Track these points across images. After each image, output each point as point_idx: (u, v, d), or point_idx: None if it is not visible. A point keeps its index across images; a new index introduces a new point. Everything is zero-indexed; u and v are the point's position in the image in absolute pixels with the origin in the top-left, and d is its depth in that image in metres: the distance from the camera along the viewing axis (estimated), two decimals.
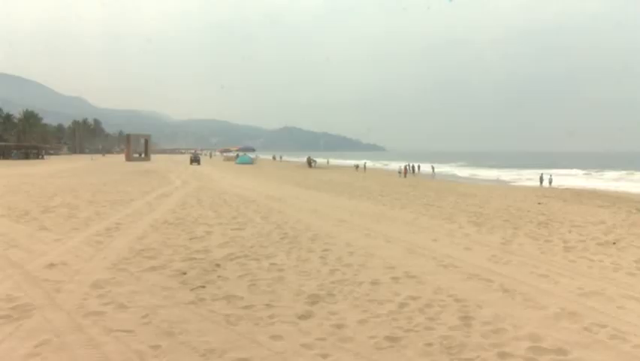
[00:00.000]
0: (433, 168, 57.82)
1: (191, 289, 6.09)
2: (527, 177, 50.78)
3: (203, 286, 6.23)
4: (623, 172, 55.20)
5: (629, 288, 6.50)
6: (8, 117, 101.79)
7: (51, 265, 7.10)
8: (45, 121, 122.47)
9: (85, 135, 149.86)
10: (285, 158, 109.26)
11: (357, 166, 60.60)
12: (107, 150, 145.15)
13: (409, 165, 53.09)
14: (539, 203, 19.27)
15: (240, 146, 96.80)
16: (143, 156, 78.59)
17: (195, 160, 60.11)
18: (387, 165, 79.86)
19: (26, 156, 77.21)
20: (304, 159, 73.05)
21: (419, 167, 55.89)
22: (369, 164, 69.37)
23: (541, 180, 38.45)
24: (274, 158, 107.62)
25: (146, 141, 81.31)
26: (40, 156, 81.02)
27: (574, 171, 59.15)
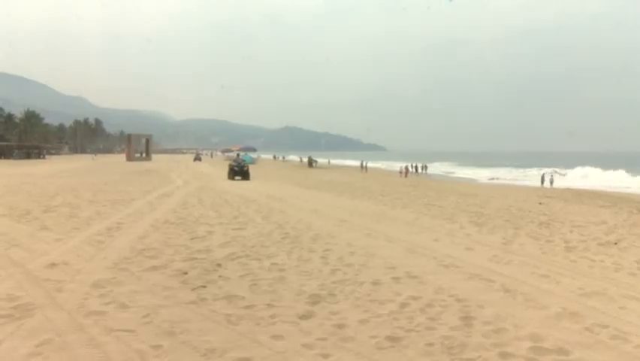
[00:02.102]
0: (426, 167, 57.66)
1: (193, 289, 6.09)
2: (526, 176, 51.03)
3: (204, 286, 6.23)
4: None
5: (631, 288, 6.49)
6: (10, 117, 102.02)
7: (52, 265, 7.11)
8: (46, 121, 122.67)
9: (86, 135, 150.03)
10: (286, 158, 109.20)
11: (362, 165, 59.92)
12: (107, 150, 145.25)
13: (411, 165, 53.07)
14: (540, 203, 19.26)
15: (241, 145, 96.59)
16: (144, 155, 78.70)
17: (239, 171, 29.84)
18: (390, 165, 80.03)
19: (28, 156, 77.33)
20: (305, 159, 72.86)
21: (422, 167, 55.79)
22: (371, 164, 69.41)
23: (543, 180, 38.44)
24: (275, 157, 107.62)
25: (147, 141, 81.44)
26: (41, 156, 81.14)
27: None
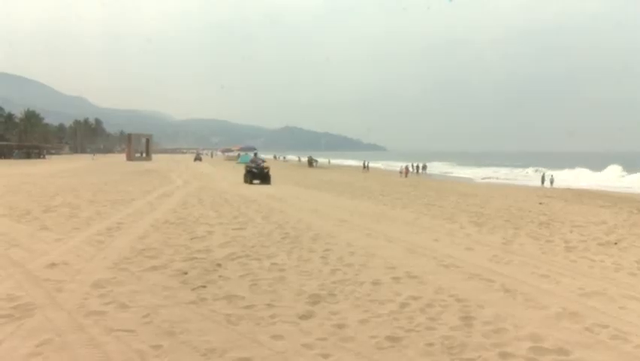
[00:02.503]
0: (425, 166, 57.30)
1: (193, 289, 6.09)
2: (525, 176, 51.38)
3: (205, 286, 6.23)
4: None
5: (631, 288, 6.49)
6: (10, 117, 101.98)
7: (52, 265, 7.11)
8: (46, 121, 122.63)
9: (86, 135, 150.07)
10: (286, 158, 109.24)
11: (364, 165, 58.99)
12: (107, 150, 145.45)
13: (412, 165, 53.05)
14: (540, 203, 19.26)
15: (241, 145, 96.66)
16: (144, 155, 78.69)
17: (259, 174, 25.76)
18: (389, 165, 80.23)
19: (28, 156, 77.33)
20: (303, 159, 72.77)
21: (422, 166, 55.73)
22: (371, 164, 69.31)
23: (543, 180, 38.47)
24: (275, 157, 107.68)
25: (147, 141, 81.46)
26: (41, 156, 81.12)
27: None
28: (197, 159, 74.72)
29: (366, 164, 59.23)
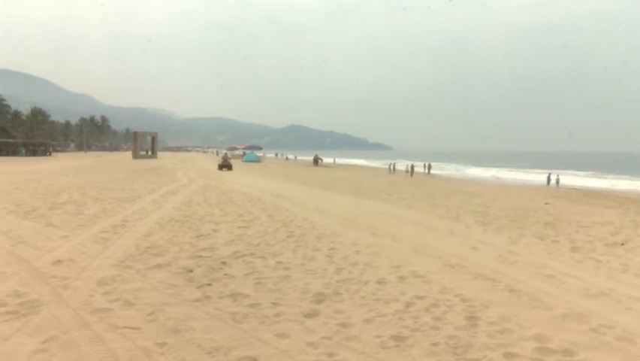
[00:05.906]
0: (412, 166, 54.65)
1: (198, 287, 6.10)
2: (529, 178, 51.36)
3: (210, 284, 6.25)
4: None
5: (637, 289, 6.45)
6: (16, 114, 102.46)
7: (58, 262, 7.14)
8: (53, 118, 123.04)
9: (92, 133, 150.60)
10: (290, 156, 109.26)
11: (390, 167, 53.53)
12: (113, 148, 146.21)
13: (424, 165, 52.90)
14: (546, 203, 19.18)
15: (246, 144, 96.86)
16: (149, 153, 78.86)
17: None
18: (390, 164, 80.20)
19: (34, 153, 77.67)
20: (310, 158, 72.49)
21: (427, 166, 55.42)
22: (375, 164, 68.92)
23: (549, 180, 38.32)
24: (277, 155, 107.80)
25: (153, 139, 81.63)
26: (47, 153, 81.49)
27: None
28: (225, 165, 39.86)
29: (391, 167, 54.78)
